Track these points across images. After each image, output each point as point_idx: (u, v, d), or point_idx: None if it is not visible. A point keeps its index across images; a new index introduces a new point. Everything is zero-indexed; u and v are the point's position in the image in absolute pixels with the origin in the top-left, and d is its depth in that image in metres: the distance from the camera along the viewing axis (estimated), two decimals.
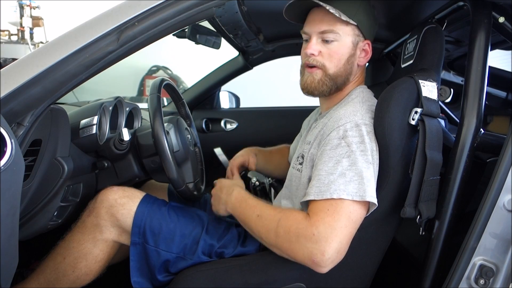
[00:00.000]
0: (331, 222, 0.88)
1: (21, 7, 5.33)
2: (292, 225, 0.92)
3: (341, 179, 0.91)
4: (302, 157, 1.10)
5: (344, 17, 1.02)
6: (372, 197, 0.91)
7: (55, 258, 1.12)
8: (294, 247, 0.91)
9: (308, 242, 0.88)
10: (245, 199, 1.07)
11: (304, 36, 1.11)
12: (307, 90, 1.10)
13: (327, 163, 0.94)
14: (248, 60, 2.07)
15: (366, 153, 0.93)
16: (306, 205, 0.98)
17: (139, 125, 1.50)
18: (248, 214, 1.03)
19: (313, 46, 1.06)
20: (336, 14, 1.01)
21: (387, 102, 0.97)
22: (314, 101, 1.24)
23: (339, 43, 1.06)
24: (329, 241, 0.87)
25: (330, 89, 1.09)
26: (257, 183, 1.71)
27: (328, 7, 1.00)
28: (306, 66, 1.09)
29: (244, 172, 2.09)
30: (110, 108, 1.27)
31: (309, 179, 1.04)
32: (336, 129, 0.97)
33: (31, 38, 5.50)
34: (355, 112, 0.99)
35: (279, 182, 1.77)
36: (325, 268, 0.90)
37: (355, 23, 1.05)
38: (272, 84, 3.95)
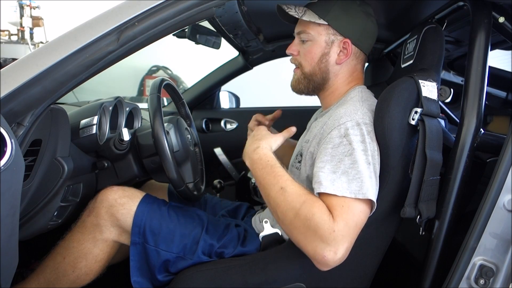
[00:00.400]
0: (347, 220, 0.87)
1: (21, 7, 5.34)
2: (316, 213, 0.87)
3: (344, 177, 0.91)
4: (301, 155, 1.10)
5: (305, 18, 1.07)
6: (373, 196, 0.91)
7: (55, 258, 1.12)
8: (308, 237, 0.87)
9: (326, 237, 0.85)
10: (271, 165, 0.98)
11: None
12: (292, 88, 1.18)
13: (330, 162, 0.94)
14: (248, 60, 2.07)
15: (366, 152, 0.93)
16: None
17: (139, 125, 1.50)
18: (271, 182, 0.95)
19: (292, 47, 1.14)
20: (295, 16, 1.07)
21: (387, 102, 0.97)
22: (314, 101, 1.24)
23: (313, 43, 1.10)
24: (344, 240, 0.86)
25: (307, 88, 1.14)
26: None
27: (288, 9, 1.07)
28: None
29: (244, 172, 2.09)
30: (110, 108, 1.27)
31: (308, 177, 1.04)
32: (337, 128, 0.96)
33: (31, 38, 5.50)
34: (356, 111, 0.99)
35: None
36: (330, 267, 0.88)
37: (325, 23, 1.07)
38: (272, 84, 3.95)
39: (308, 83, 1.13)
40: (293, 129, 1.10)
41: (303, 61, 1.12)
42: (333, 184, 0.91)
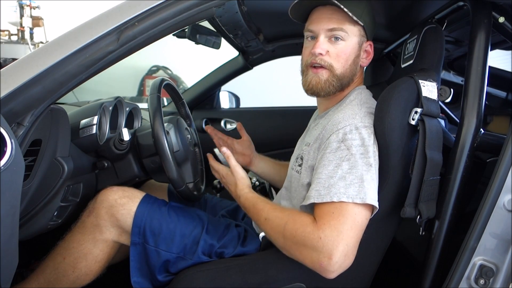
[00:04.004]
0: (336, 225, 0.88)
1: (21, 7, 5.33)
2: (299, 228, 0.91)
3: (341, 182, 0.91)
4: (301, 158, 1.09)
5: (355, 17, 1.01)
6: (373, 200, 0.91)
7: (55, 258, 1.12)
8: (301, 251, 0.91)
9: (315, 246, 0.88)
10: (253, 204, 1.05)
11: (308, 34, 1.08)
12: (312, 91, 1.08)
13: (327, 167, 0.94)
14: (248, 60, 2.07)
15: (366, 155, 0.93)
16: (307, 209, 0.98)
17: (139, 125, 1.50)
18: (258, 218, 1.03)
19: (322, 46, 1.03)
20: (349, 13, 1.00)
21: (387, 102, 0.97)
22: (314, 101, 1.24)
23: (346, 43, 1.04)
24: (336, 244, 0.87)
25: (336, 90, 1.07)
26: (257, 183, 1.70)
27: (342, 6, 0.99)
28: (311, 66, 1.06)
29: None
30: (110, 108, 1.27)
31: (308, 182, 1.04)
32: (336, 133, 0.96)
33: (31, 38, 5.49)
34: (354, 115, 0.98)
35: None
36: (333, 273, 0.89)
37: (362, 24, 1.05)
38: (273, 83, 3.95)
39: (339, 85, 1.06)
40: (225, 151, 1.18)
41: (335, 62, 1.04)
42: (329, 191, 0.91)
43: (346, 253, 0.87)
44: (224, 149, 1.19)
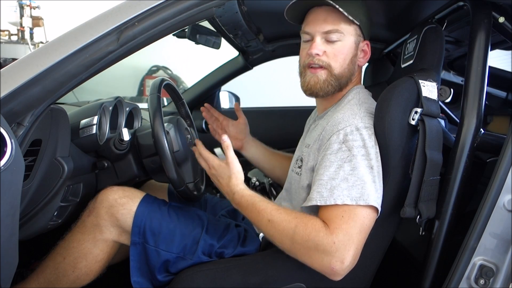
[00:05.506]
0: (348, 229, 0.88)
1: (21, 7, 5.33)
2: (311, 233, 0.89)
3: (343, 184, 0.91)
4: (301, 160, 1.09)
5: (350, 16, 1.01)
6: (376, 202, 0.91)
7: (55, 258, 1.12)
8: (312, 255, 0.89)
9: (328, 250, 0.87)
10: (252, 203, 1.00)
11: (305, 37, 1.09)
12: (311, 91, 1.08)
13: (329, 168, 0.93)
14: (248, 60, 2.07)
15: (368, 157, 0.93)
16: (308, 210, 0.97)
17: (139, 125, 1.50)
18: (258, 219, 0.98)
19: (318, 46, 1.04)
20: (345, 13, 1.00)
21: (387, 102, 0.97)
22: (313, 101, 1.24)
23: (342, 43, 1.05)
24: (348, 248, 0.87)
25: (335, 89, 1.07)
26: (257, 183, 1.71)
27: (337, 6, 0.99)
28: (309, 67, 1.07)
29: (244, 172, 2.09)
30: (110, 108, 1.27)
31: (308, 183, 1.04)
32: (336, 133, 0.96)
33: (31, 38, 5.50)
34: (354, 115, 0.98)
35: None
36: (342, 276, 0.89)
37: (358, 23, 1.05)
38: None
39: (338, 84, 1.07)
40: (226, 140, 1.08)
41: (333, 62, 1.04)
42: (332, 193, 0.90)
43: (355, 256, 0.88)
44: (225, 137, 1.08)
